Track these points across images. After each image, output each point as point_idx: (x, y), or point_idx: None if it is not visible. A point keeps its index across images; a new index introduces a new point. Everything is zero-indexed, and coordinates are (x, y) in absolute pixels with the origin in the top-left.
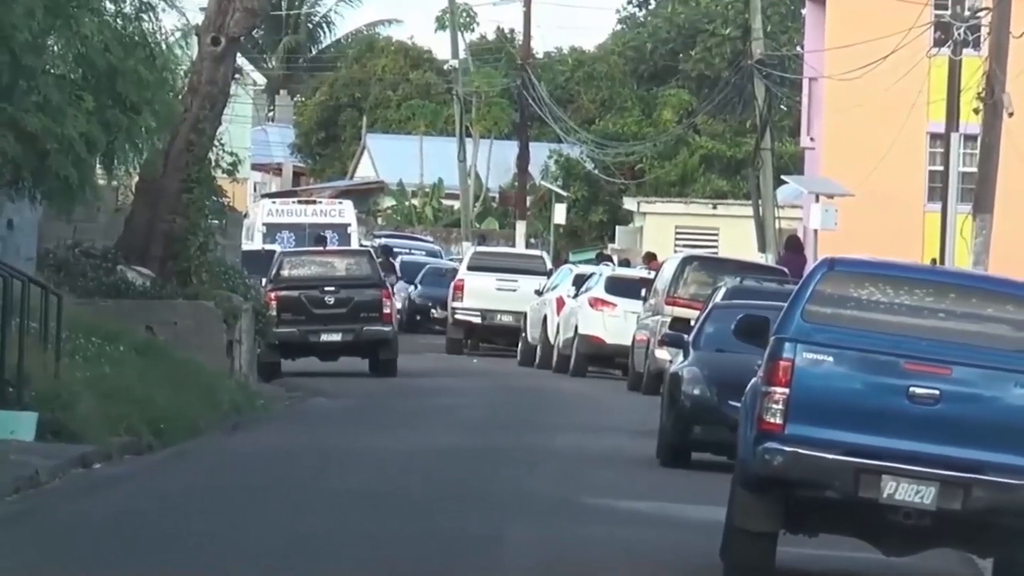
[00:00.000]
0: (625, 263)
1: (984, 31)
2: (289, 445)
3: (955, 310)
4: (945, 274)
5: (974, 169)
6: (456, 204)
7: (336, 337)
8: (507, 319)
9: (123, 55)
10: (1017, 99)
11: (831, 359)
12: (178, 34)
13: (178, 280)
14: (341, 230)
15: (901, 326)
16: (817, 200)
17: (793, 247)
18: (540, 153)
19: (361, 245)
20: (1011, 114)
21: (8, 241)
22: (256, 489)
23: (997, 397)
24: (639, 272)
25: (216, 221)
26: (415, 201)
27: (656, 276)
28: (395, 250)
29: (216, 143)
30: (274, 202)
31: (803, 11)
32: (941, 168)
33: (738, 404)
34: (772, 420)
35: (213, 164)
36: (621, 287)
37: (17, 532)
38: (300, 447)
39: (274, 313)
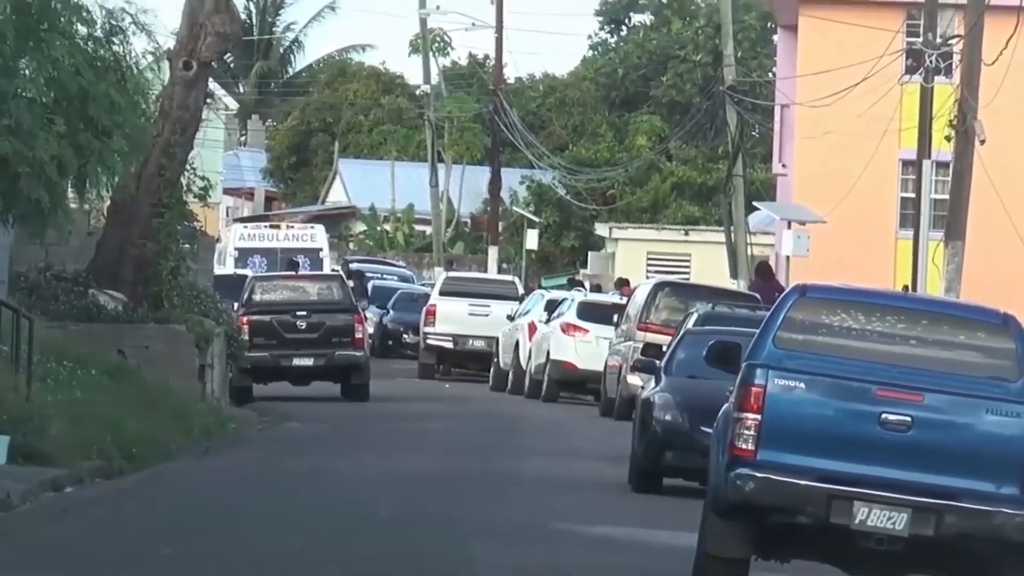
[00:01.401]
0: (597, 289)
1: (956, 58)
2: (260, 469)
3: (927, 337)
4: (917, 301)
5: (946, 196)
6: (428, 229)
7: (308, 362)
8: (479, 344)
9: (94, 79)
10: (989, 126)
11: (803, 385)
12: (150, 58)
13: (150, 304)
14: (313, 255)
15: (873, 353)
16: (789, 226)
17: (763, 273)
18: (512, 179)
19: (333, 270)
20: (983, 141)
21: None
22: (227, 513)
23: (969, 424)
24: (611, 298)
25: (188, 245)
26: (387, 226)
27: (628, 302)
28: (367, 275)
29: (188, 167)
30: (246, 226)
31: (774, 38)
32: (913, 195)
33: (710, 430)
34: (744, 446)
35: (185, 188)
36: (593, 313)
37: None
38: (271, 471)
39: (246, 337)
